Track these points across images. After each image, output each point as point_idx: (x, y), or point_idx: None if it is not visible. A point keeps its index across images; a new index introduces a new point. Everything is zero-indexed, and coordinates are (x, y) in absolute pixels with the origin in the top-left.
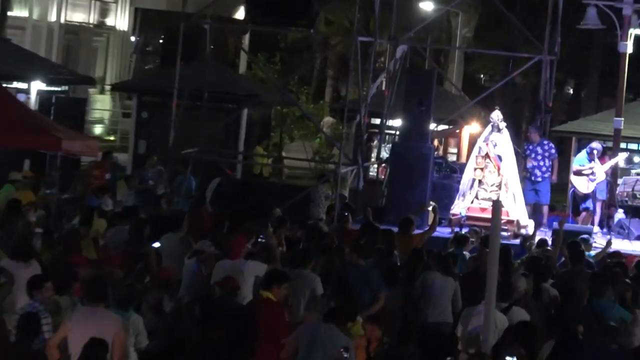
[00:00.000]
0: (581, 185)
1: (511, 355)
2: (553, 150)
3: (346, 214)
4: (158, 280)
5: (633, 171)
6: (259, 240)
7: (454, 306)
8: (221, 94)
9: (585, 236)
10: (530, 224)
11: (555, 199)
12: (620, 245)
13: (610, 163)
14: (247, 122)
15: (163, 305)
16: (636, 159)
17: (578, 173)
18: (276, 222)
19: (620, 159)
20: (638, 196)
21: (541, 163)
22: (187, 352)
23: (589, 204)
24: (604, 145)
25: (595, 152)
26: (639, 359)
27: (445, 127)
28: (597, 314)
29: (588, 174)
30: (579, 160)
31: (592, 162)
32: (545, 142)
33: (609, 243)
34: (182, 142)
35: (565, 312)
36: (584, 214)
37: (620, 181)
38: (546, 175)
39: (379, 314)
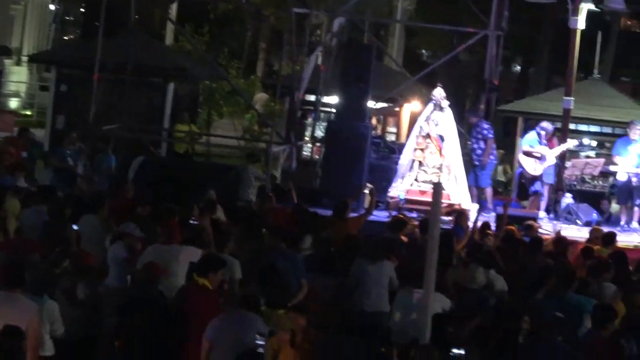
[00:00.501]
0: (529, 166)
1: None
2: (485, 131)
3: (269, 194)
4: (80, 265)
5: (582, 154)
6: (190, 222)
7: (390, 287)
8: (146, 67)
9: (529, 222)
10: (473, 208)
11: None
12: (567, 232)
13: (561, 148)
14: (173, 97)
15: (77, 292)
16: (586, 140)
17: (528, 154)
18: (205, 205)
19: (571, 145)
20: (587, 180)
21: (475, 146)
22: (106, 341)
23: (537, 186)
24: (555, 126)
25: (543, 132)
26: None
27: (385, 104)
28: (570, 308)
29: (538, 157)
30: (529, 141)
31: (542, 144)
32: (480, 123)
33: (558, 234)
34: (104, 117)
35: (513, 306)
36: (532, 197)
37: (568, 164)
38: (482, 157)
39: (304, 302)
